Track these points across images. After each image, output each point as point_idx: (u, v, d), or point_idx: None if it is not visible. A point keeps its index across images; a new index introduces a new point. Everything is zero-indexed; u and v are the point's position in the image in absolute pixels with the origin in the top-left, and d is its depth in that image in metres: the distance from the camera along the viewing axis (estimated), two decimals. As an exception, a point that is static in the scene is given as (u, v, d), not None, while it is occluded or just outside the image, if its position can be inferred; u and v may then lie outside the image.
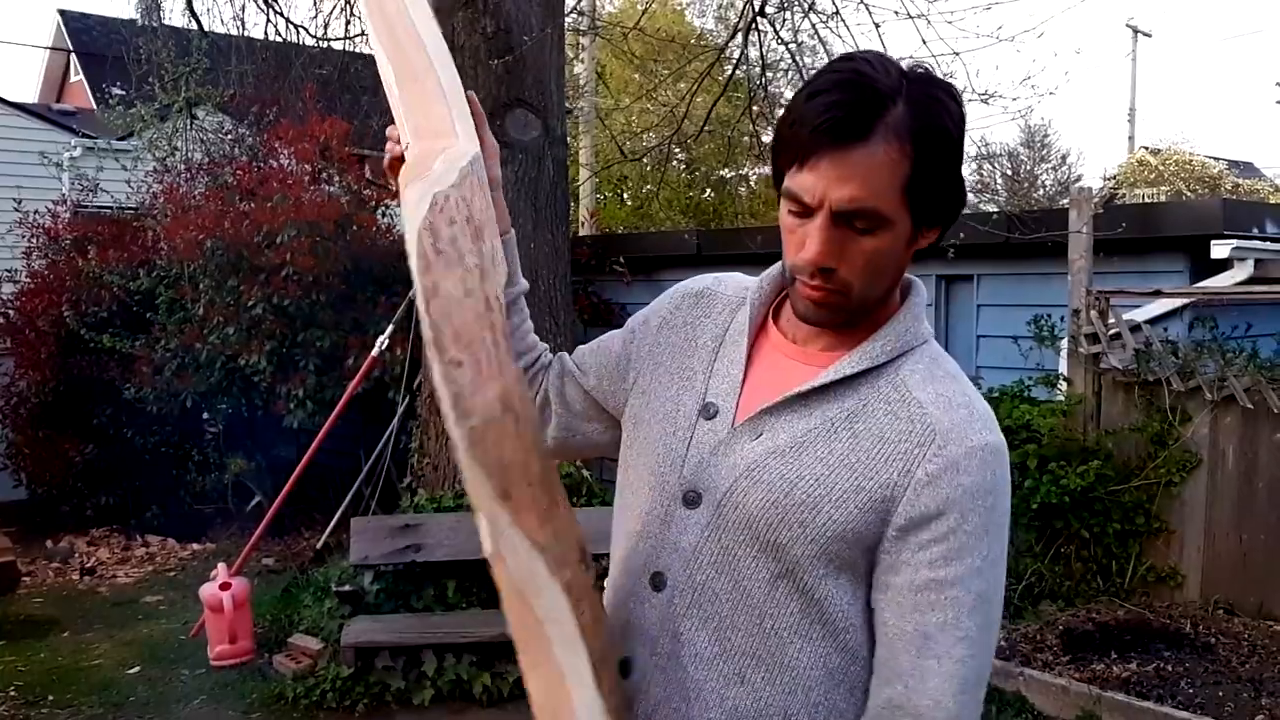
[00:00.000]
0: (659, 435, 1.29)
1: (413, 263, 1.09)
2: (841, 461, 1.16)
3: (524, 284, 1.44)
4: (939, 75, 1.17)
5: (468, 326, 1.09)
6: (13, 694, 4.82)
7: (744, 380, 1.27)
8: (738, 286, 1.37)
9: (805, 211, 1.14)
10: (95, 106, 13.10)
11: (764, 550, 1.17)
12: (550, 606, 1.05)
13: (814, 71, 1.27)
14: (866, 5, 6.36)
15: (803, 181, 1.12)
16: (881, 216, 1.12)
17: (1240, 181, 20.60)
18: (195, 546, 7.50)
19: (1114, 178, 20.90)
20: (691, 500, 1.23)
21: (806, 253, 1.14)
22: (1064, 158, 23.98)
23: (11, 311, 8.10)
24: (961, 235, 6.07)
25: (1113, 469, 5.32)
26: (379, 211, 7.59)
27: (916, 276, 1.31)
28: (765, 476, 1.18)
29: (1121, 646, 4.67)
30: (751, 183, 17.20)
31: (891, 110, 1.10)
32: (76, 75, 18.08)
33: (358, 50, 9.98)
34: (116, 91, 10.01)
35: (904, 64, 1.15)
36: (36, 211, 8.44)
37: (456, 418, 1.07)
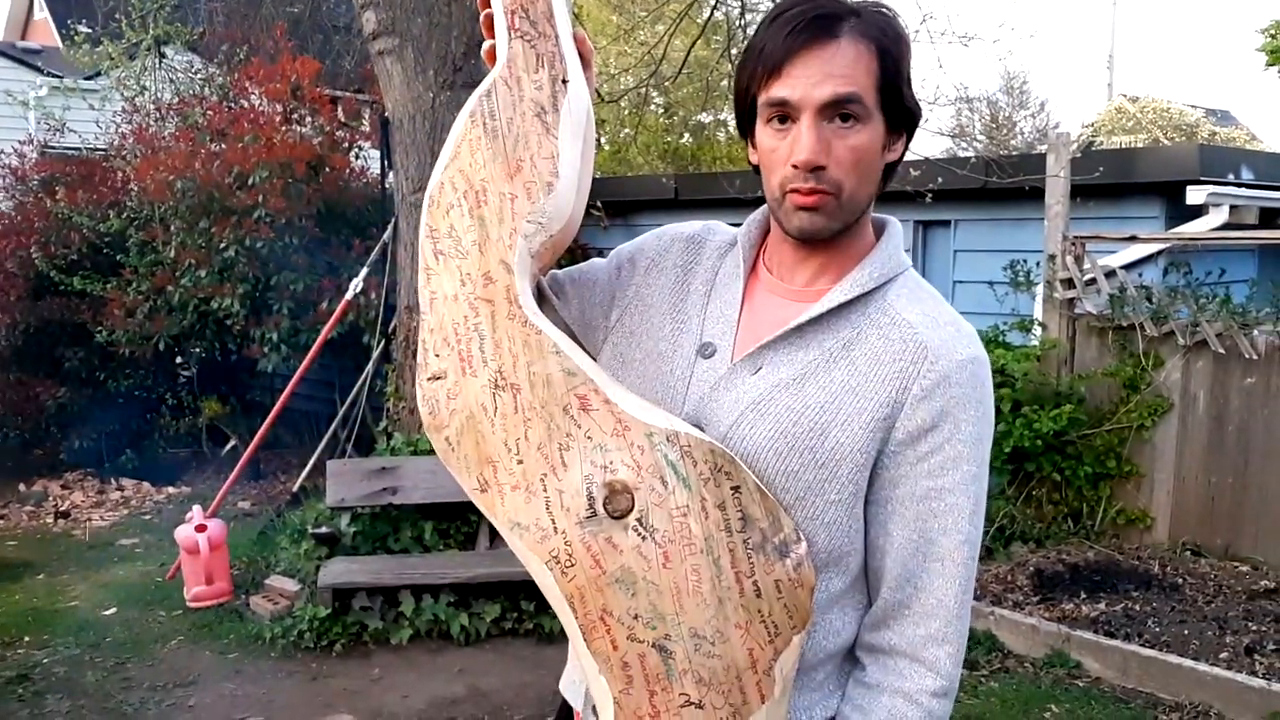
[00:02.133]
0: (654, 375, 1.31)
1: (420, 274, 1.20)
2: (843, 387, 1.21)
3: None
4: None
5: (459, 323, 1.17)
6: (-12, 636, 4.82)
7: (738, 319, 1.30)
8: (726, 233, 1.41)
9: (789, 116, 1.19)
10: (61, 44, 12.82)
11: (772, 481, 1.20)
12: (538, 574, 1.14)
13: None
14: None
15: (783, 86, 1.18)
16: (863, 104, 1.17)
17: (1217, 129, 20.62)
18: (170, 490, 7.49)
19: (1092, 124, 20.88)
20: None
21: (798, 153, 1.17)
22: (1043, 105, 23.96)
23: (-21, 253, 7.98)
24: (939, 180, 6.06)
25: (1085, 413, 5.37)
26: (352, 153, 7.50)
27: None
28: (772, 409, 1.22)
29: (1091, 587, 4.75)
30: (729, 127, 17.06)
31: (851, 19, 1.19)
32: (41, 12, 17.68)
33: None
34: (83, 29, 9.77)
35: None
36: (2, 152, 8.30)
37: (432, 431, 1.17)
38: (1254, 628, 4.29)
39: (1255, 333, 4.99)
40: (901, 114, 1.23)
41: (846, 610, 1.26)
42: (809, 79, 1.16)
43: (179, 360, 8.01)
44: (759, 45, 1.20)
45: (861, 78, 1.17)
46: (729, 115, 16.31)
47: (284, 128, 7.08)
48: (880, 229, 1.32)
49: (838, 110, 1.17)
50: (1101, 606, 4.55)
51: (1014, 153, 8.86)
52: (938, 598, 1.20)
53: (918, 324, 1.22)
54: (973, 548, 1.22)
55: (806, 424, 1.20)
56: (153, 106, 8.32)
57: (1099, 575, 4.85)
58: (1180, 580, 4.81)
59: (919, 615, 1.21)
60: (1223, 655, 4.09)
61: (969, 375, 1.20)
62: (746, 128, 1.26)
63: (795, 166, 1.18)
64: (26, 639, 4.79)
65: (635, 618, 1.11)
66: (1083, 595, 4.68)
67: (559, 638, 4.65)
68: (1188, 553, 5.15)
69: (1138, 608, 4.52)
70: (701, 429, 1.23)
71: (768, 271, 1.32)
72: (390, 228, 6.10)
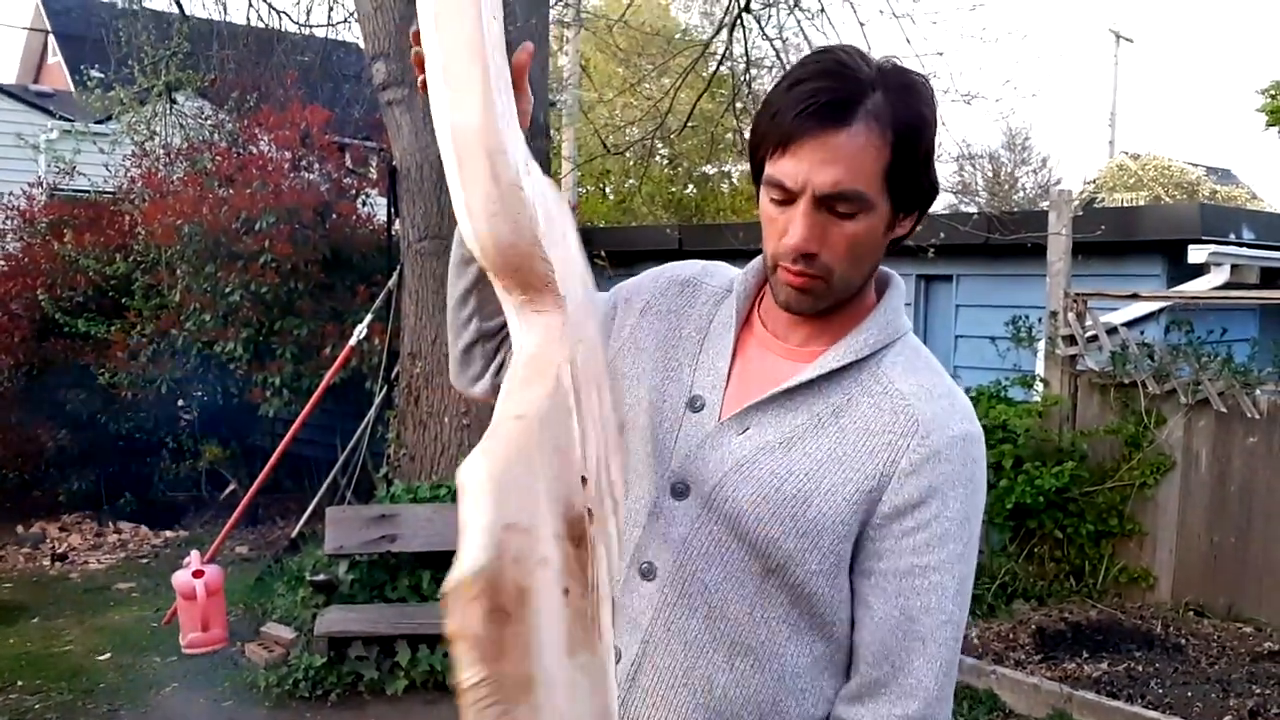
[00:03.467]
0: (645, 424, 1.29)
1: None
2: (829, 456, 1.18)
3: None
4: (909, 68, 1.19)
5: None
6: (-19, 679, 4.78)
7: (729, 373, 1.27)
8: (724, 278, 1.37)
9: (787, 198, 1.15)
10: (73, 88, 12.97)
11: (754, 544, 1.18)
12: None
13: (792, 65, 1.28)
14: (851, 3, 6.38)
15: (784, 167, 1.13)
16: (864, 199, 1.13)
17: (1218, 188, 20.77)
18: (168, 534, 7.45)
19: (1094, 182, 21.03)
20: (679, 492, 1.23)
21: (790, 238, 1.15)
22: (1044, 161, 24.07)
23: (-15, 294, 8.01)
24: (941, 235, 6.10)
25: (1087, 470, 5.36)
26: (359, 200, 7.55)
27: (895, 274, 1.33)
28: (755, 472, 1.19)
29: (1093, 646, 4.71)
30: (734, 179, 17.18)
31: (871, 97, 1.12)
32: (55, 56, 17.90)
33: (339, 37, 9.93)
34: (95, 74, 9.88)
35: (877, 59, 1.17)
36: (11, 194, 8.36)
37: None
38: (1258, 690, 4.25)
39: (1257, 392, 4.99)
40: (914, 196, 1.18)
41: (838, 676, 1.23)
42: (809, 168, 1.11)
43: (180, 404, 8.00)
44: (773, 108, 1.15)
45: (867, 168, 1.12)
46: (733, 167, 16.46)
47: (292, 174, 7.14)
48: (883, 286, 1.29)
49: (835, 202, 1.13)
50: (1104, 666, 4.51)
51: (1016, 209, 8.92)
52: (917, 678, 1.16)
53: (910, 395, 1.19)
54: (956, 628, 1.18)
55: (790, 491, 1.17)
56: (162, 151, 8.39)
57: (1101, 634, 4.81)
58: (1183, 640, 4.77)
59: (897, 695, 1.17)
60: (1226, 718, 4.04)
61: (960, 452, 1.17)
62: (758, 177, 1.23)
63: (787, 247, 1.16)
64: (20, 683, 4.75)
65: None
66: (1085, 654, 4.64)
67: (556, 690, 4.61)
68: (1190, 613, 5.11)
69: (1140, 668, 4.48)
70: (688, 485, 1.21)
71: (763, 325, 1.29)
72: (396, 275, 6.13)
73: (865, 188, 1.12)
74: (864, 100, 1.11)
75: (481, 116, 1.23)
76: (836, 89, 1.11)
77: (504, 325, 1.44)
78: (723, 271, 1.39)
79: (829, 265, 1.16)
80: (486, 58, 1.24)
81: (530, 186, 1.24)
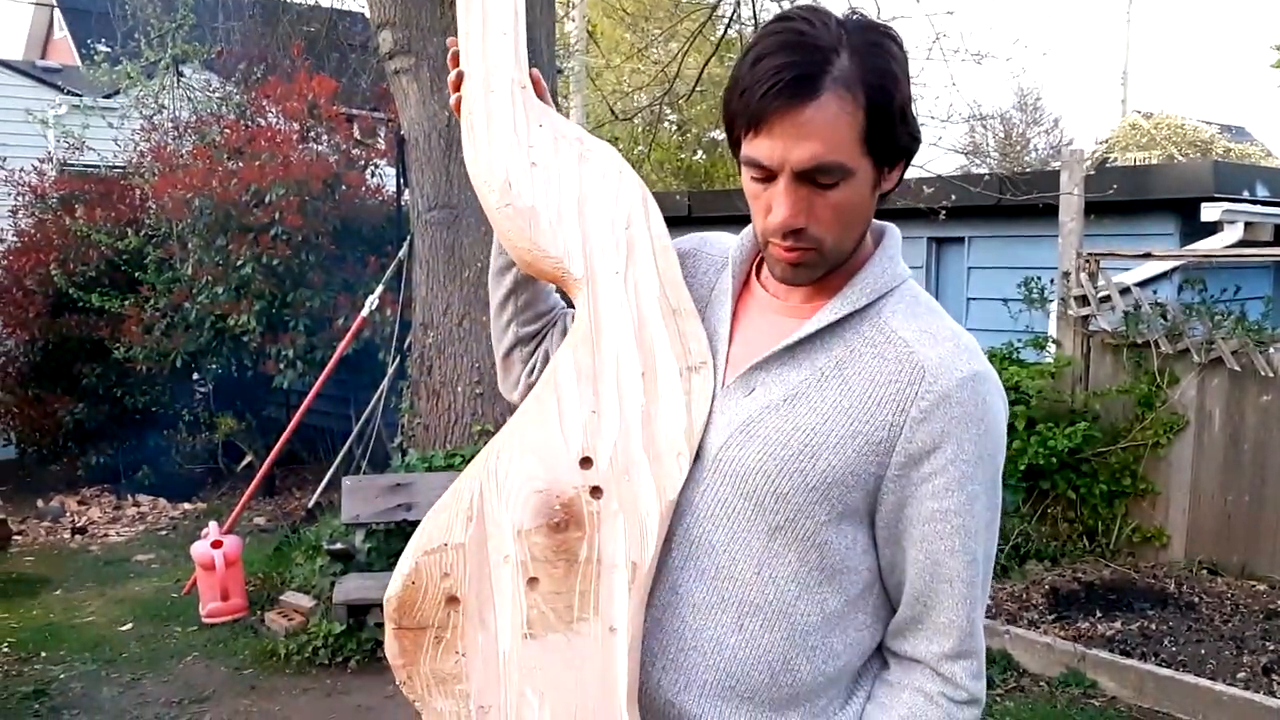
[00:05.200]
0: None
1: None
2: (835, 408, 1.19)
3: None
4: (875, 19, 1.19)
5: None
6: (5, 650, 4.84)
7: (731, 338, 1.29)
8: (722, 247, 1.39)
9: (767, 176, 1.15)
10: (80, 63, 12.94)
11: (762, 502, 1.19)
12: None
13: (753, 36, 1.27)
14: (860, -36, 6.32)
15: (760, 147, 1.14)
16: (844, 168, 1.13)
17: (1232, 146, 20.55)
18: (186, 506, 7.52)
19: (1106, 141, 20.84)
20: None
21: (775, 216, 1.16)
22: (1056, 121, 23.94)
23: (-1, 270, 8.06)
24: (953, 197, 6.07)
25: (1100, 430, 5.36)
26: (368, 171, 7.55)
27: (907, 238, 1.33)
28: (760, 430, 1.20)
29: (1106, 605, 4.73)
30: (743, 144, 17.11)
31: (836, 62, 1.11)
32: (61, 31, 17.84)
33: (345, 7, 9.88)
34: (102, 48, 9.85)
35: (840, 14, 1.16)
36: (22, 170, 8.38)
37: None
38: (1271, 647, 4.27)
39: (1271, 350, 4.97)
40: (895, 150, 1.18)
41: (848, 632, 1.24)
42: (785, 145, 1.12)
43: (195, 377, 8.06)
44: (740, 86, 1.14)
45: (842, 136, 1.12)
46: (742, 132, 16.37)
47: (300, 146, 7.14)
48: (879, 236, 1.30)
49: (816, 174, 1.13)
50: (1117, 625, 4.53)
51: (1028, 170, 8.85)
52: (949, 618, 1.20)
53: (914, 342, 1.20)
54: (984, 563, 1.22)
55: (796, 446, 1.18)
56: (170, 125, 8.39)
57: (1114, 593, 4.83)
58: (1196, 599, 4.78)
59: (933, 632, 1.22)
60: (1240, 675, 4.06)
61: (969, 393, 1.18)
62: (736, 151, 1.22)
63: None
64: (43, 654, 4.81)
65: None
66: (1098, 614, 4.66)
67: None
68: (1204, 571, 5.13)
69: (1154, 626, 4.50)
70: (697, 450, 1.22)
71: (762, 288, 1.31)
72: (406, 245, 6.13)
73: (843, 157, 1.12)
74: (829, 68, 1.11)
75: (467, 150, 1.36)
76: (800, 62, 1.10)
77: (539, 331, 1.51)
78: (721, 241, 1.40)
79: (819, 237, 1.17)
80: (473, 94, 1.37)
81: (533, 186, 1.33)
